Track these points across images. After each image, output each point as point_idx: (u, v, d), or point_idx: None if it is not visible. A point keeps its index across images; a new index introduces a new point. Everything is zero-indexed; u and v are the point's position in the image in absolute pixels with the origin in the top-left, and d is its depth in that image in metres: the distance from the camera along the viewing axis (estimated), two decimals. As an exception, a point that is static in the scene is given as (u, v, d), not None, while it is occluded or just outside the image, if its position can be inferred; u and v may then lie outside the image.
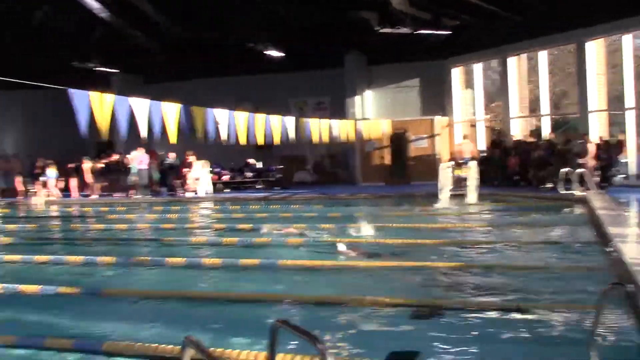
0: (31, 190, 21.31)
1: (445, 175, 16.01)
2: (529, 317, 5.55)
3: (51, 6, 20.47)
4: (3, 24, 22.11)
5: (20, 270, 9.08)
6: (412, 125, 22.54)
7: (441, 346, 4.98)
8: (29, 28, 21.33)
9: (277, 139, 14.17)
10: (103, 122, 8.35)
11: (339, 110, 22.92)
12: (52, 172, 22.37)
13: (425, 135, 22.45)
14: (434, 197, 15.89)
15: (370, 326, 5.56)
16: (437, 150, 22.27)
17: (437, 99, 22.67)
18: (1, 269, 9.33)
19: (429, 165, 21.66)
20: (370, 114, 23.40)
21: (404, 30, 18.98)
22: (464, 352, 4.86)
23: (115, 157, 22.80)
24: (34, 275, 8.61)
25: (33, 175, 22.97)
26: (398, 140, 22.70)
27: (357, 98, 23.50)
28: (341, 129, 17.10)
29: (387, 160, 22.91)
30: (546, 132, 20.32)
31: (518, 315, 5.59)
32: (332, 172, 24.59)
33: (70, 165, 22.78)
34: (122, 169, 22.38)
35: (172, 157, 22.77)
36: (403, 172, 22.63)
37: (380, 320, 5.71)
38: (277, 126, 13.81)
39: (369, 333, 5.39)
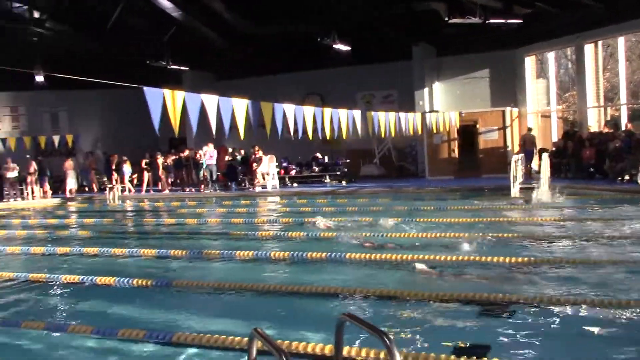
0: (107, 186, 22.10)
1: (517, 168, 15.59)
2: (604, 313, 5.35)
3: (125, 6, 21.10)
4: (79, 24, 22.99)
5: (97, 263, 9.43)
6: (482, 117, 22.06)
7: (510, 342, 4.86)
8: (104, 28, 22.07)
9: (344, 133, 14.13)
10: (175, 119, 8.54)
11: (407, 103, 22.69)
12: (126, 167, 23.16)
13: (495, 127, 21.91)
14: (505, 190, 15.53)
15: (438, 321, 5.48)
16: (508, 142, 21.71)
17: (508, 90, 22.10)
18: (80, 261, 9.72)
19: (499, 158, 21.18)
20: (439, 106, 23.04)
21: (474, 20, 18.54)
22: (534, 348, 4.72)
23: (186, 152, 23.34)
24: (109, 267, 8.94)
25: (108, 171, 23.84)
26: (467, 133, 22.28)
27: (425, 90, 23.18)
28: (409, 121, 16.90)
29: (456, 153, 22.52)
30: (624, 122, 19.47)
31: (593, 311, 5.40)
32: (399, 165, 24.39)
33: (143, 161, 23.50)
34: (192, 164, 22.90)
35: (241, 152, 23.14)
36: (473, 165, 22.21)
37: (448, 315, 5.61)
38: (344, 120, 13.76)
39: (436, 328, 5.31)
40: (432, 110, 21.94)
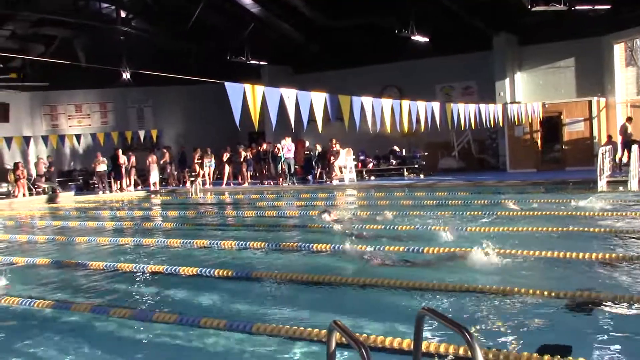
0: (189, 179, 22.78)
1: (604, 160, 14.93)
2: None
3: (206, 4, 21.63)
4: (163, 23, 23.74)
5: (180, 254, 9.73)
6: (566, 108, 21.25)
7: (595, 341, 4.68)
8: (186, 26, 22.71)
9: (422, 126, 13.96)
10: (255, 113, 8.68)
11: (487, 94, 22.17)
12: (208, 161, 23.79)
13: (581, 118, 21.07)
14: (591, 183, 14.93)
15: (520, 317, 5.33)
16: (595, 133, 20.83)
17: (594, 79, 21.19)
18: (164, 252, 10.06)
19: (585, 150, 20.37)
20: (521, 97, 22.37)
21: (559, 7, 17.86)
22: (619, 349, 4.52)
23: (264, 146, 23.71)
24: (192, 258, 9.21)
25: (190, 165, 24.60)
26: (551, 124, 21.54)
27: (507, 81, 22.55)
28: (489, 113, 16.49)
29: (539, 145, 21.81)
30: None
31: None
32: (479, 158, 23.88)
33: (225, 155, 24.05)
34: (271, 157, 23.24)
35: (319, 145, 23.29)
36: (556, 157, 21.47)
37: (531, 311, 5.46)
38: (422, 112, 13.58)
39: (518, 324, 5.17)
40: (513, 102, 21.33)
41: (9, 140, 23.45)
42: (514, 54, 22.77)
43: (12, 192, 22.70)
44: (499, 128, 20.59)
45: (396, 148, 24.00)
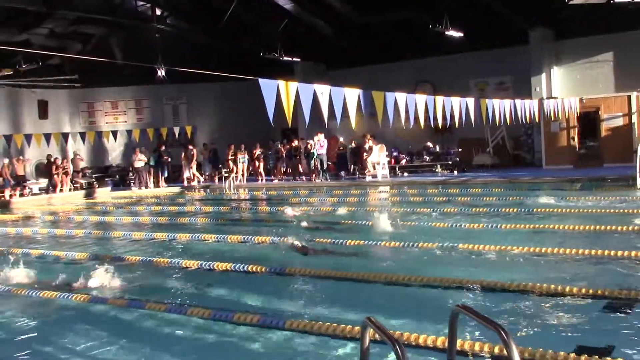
0: (223, 175, 22.97)
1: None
2: None
3: (240, 1, 21.75)
4: (197, 20, 23.95)
5: (214, 249, 9.82)
6: (605, 103, 20.83)
7: (635, 340, 4.59)
8: (220, 23, 22.88)
9: (456, 122, 13.84)
10: (289, 109, 8.72)
11: (523, 90, 21.83)
12: (241, 157, 23.94)
13: (620, 113, 20.61)
14: (629, 180, 14.62)
15: (557, 316, 5.26)
16: (634, 129, 20.37)
17: (634, 73, 20.69)
18: (198, 247, 10.17)
19: (624, 146, 19.91)
20: (557, 92, 21.98)
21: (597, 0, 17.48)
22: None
23: (297, 142, 23.76)
24: (226, 253, 9.30)
25: (215, 162, 24.85)
26: (588, 120, 21.13)
27: (543, 76, 22.17)
28: (525, 109, 16.26)
29: (576, 141, 21.42)
30: None
31: None
32: (514, 154, 23.56)
33: (256, 151, 24.18)
34: (303, 154, 23.28)
35: (352, 142, 23.26)
36: (594, 153, 21.06)
37: (568, 310, 5.38)
38: (456, 108, 13.46)
39: (555, 323, 5.10)
40: (550, 97, 20.98)
41: (48, 137, 23.96)
42: (551, 48, 22.38)
43: (51, 187, 23.19)
44: (535, 124, 20.26)
45: (429, 144, 23.84)
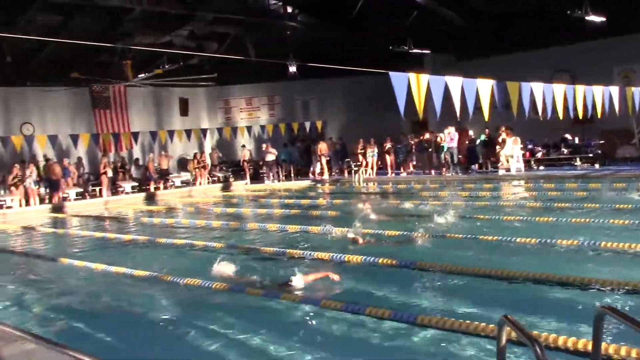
0: (353, 169, 23.16)
1: None
2: None
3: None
4: (327, 16, 24.30)
5: (345, 242, 9.91)
6: None
7: None
8: (349, 18, 23.07)
9: (598, 112, 13.04)
10: (420, 102, 8.66)
11: (674, 76, 20.14)
12: (371, 151, 24.02)
13: None
14: None
15: None
16: None
17: None
18: (329, 239, 10.33)
19: None
20: None
21: None
22: None
23: (426, 135, 23.45)
24: (355, 246, 9.37)
25: (344, 156, 25.08)
26: None
27: (700, 59, 20.33)
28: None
29: None
30: None
31: None
32: (664, 146, 21.81)
33: (387, 144, 24.13)
34: (433, 147, 22.94)
35: (487, 133, 22.59)
36: None
37: None
38: (598, 98, 12.68)
39: None
40: None
41: (188, 133, 25.44)
42: None
43: (191, 180, 24.60)
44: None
45: (568, 136, 22.61)
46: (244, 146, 26.12)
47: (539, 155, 22.47)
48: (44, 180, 20.85)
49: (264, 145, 24.91)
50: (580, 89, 12.25)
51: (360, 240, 9.52)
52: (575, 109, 12.21)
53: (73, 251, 11.24)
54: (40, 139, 22.03)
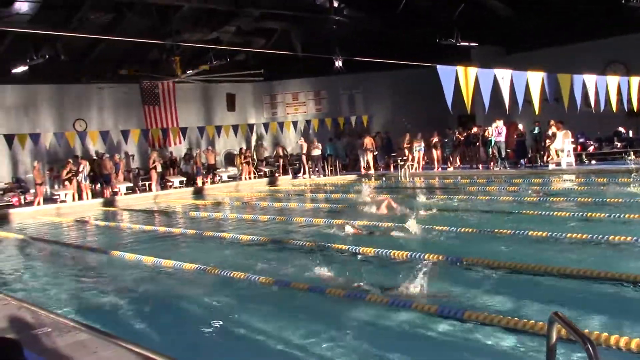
0: (399, 164, 23.03)
1: None
2: None
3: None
4: (373, 9, 24.17)
5: (390, 238, 9.86)
6: None
7: None
8: (395, 11, 22.89)
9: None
10: (467, 95, 8.54)
11: None
12: (417, 145, 23.81)
13: None
14: None
15: None
16: None
17: None
18: (375, 236, 10.29)
19: None
20: None
21: None
22: None
23: (474, 129, 23.10)
24: (402, 242, 9.32)
25: (397, 149, 24.90)
26: None
27: None
28: None
29: None
30: None
31: None
32: None
33: (434, 139, 23.87)
34: (481, 141, 22.59)
35: (536, 127, 22.11)
36: None
37: None
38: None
39: None
40: None
41: (235, 128, 25.70)
42: None
43: (238, 175, 24.87)
44: None
45: (622, 129, 21.95)
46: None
47: (591, 149, 21.89)
48: (96, 175, 21.44)
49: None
50: (635, 80, 11.87)
51: (412, 233, 9.49)
52: (629, 101, 11.85)
53: (124, 244, 11.52)
54: (92, 134, 22.60)
